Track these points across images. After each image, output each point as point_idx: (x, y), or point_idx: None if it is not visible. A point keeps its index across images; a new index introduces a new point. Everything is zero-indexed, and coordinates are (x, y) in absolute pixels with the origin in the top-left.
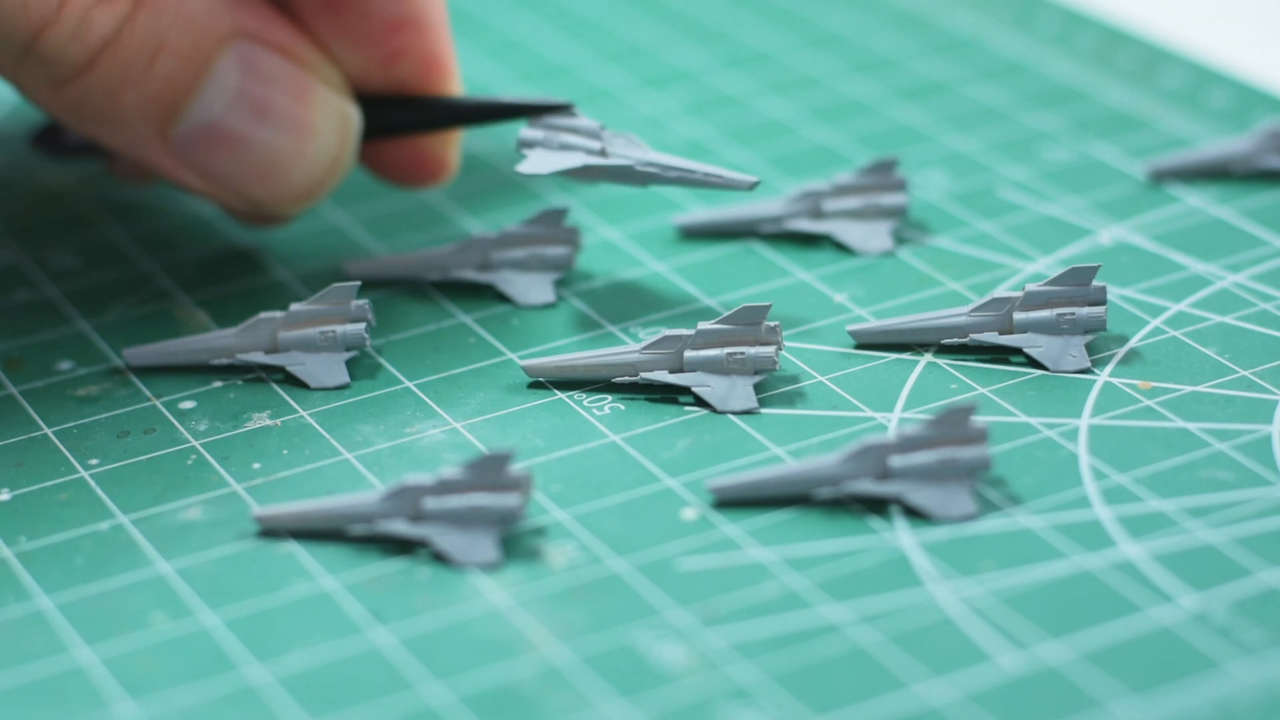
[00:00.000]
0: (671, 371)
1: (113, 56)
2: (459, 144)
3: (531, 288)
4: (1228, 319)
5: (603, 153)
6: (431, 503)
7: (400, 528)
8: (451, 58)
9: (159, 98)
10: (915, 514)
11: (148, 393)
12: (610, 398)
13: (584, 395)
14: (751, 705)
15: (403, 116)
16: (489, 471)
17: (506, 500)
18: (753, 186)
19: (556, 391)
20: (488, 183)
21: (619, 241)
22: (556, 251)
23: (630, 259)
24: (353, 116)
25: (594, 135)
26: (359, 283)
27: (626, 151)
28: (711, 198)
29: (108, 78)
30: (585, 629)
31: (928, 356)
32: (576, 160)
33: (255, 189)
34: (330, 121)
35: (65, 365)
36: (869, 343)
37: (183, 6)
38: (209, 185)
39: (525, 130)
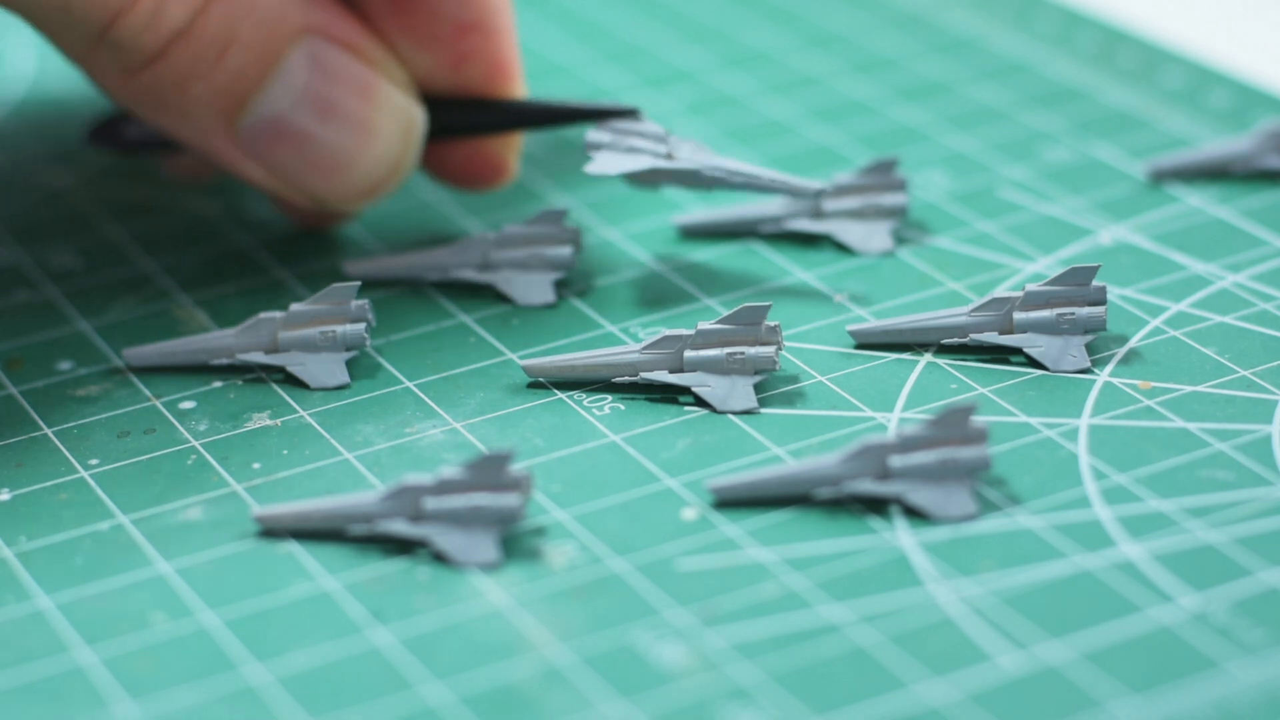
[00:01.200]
0: (671, 371)
1: (184, 47)
2: (519, 147)
3: (531, 288)
4: (1228, 319)
5: (669, 156)
6: (431, 503)
7: (400, 528)
8: (517, 61)
9: (228, 90)
10: (915, 514)
11: (148, 393)
12: (610, 398)
13: (584, 395)
14: (751, 705)
15: (468, 118)
16: (489, 471)
17: (506, 500)
18: (819, 194)
19: (556, 391)
20: None
21: (619, 241)
22: (557, 251)
23: (630, 259)
24: (417, 118)
25: (660, 139)
26: (359, 283)
27: (694, 155)
28: (711, 198)
29: (178, 68)
30: (585, 629)
31: (928, 356)
32: (644, 163)
33: (317, 185)
34: (394, 121)
35: (65, 365)
36: (869, 343)
37: (256, 1)
38: (272, 179)
39: (591, 133)
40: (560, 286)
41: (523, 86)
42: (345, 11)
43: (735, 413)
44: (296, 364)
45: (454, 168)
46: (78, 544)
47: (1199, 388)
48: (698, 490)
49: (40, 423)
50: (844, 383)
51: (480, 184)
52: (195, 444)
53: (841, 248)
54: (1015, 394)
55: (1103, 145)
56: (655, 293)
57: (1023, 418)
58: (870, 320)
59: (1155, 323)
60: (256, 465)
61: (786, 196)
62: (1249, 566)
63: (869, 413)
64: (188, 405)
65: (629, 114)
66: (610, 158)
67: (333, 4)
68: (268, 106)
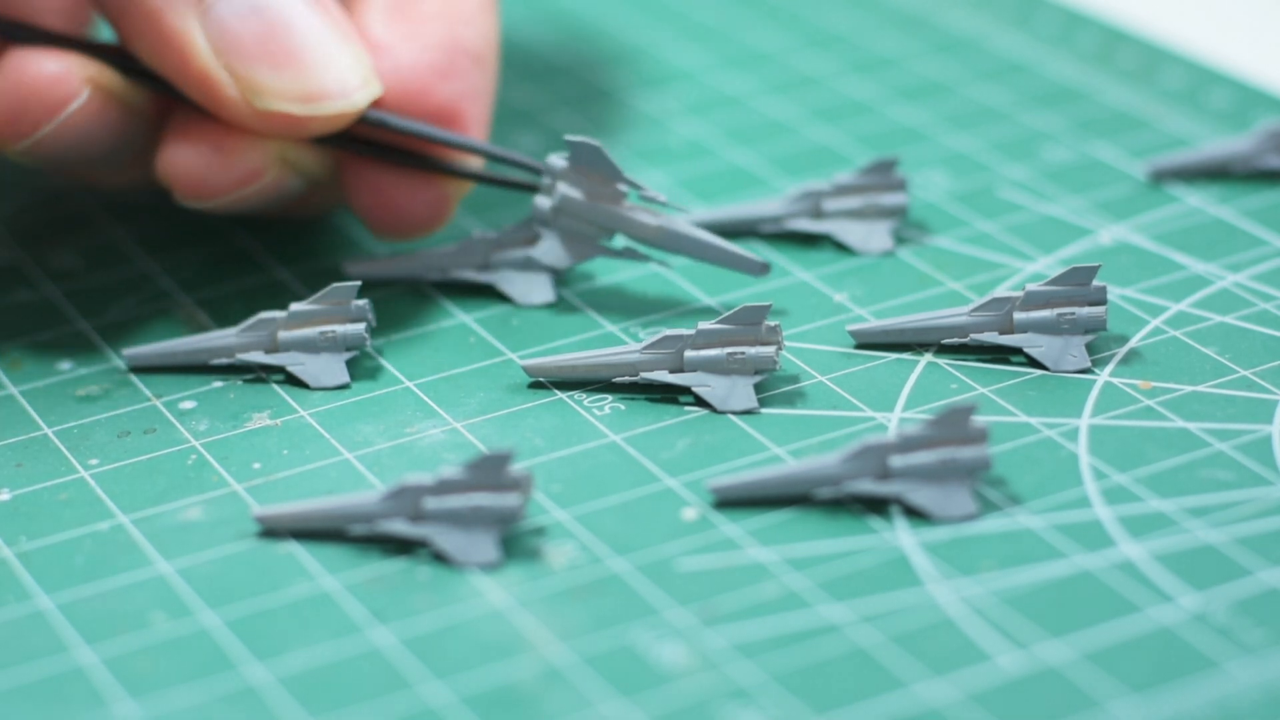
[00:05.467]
0: (671, 371)
1: None
2: (460, 194)
3: (531, 287)
4: (1228, 319)
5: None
6: (431, 503)
7: (400, 528)
8: (467, 117)
9: None
10: (915, 514)
11: (148, 393)
12: (610, 398)
13: (584, 395)
14: (751, 705)
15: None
16: (489, 471)
17: (506, 500)
18: (765, 269)
19: (556, 391)
20: None
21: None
22: None
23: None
24: (375, 84)
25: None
26: (359, 283)
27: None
28: (713, 197)
29: None
30: (585, 629)
31: (928, 356)
32: (590, 253)
33: (264, 74)
34: (362, 57)
35: (65, 365)
36: (869, 343)
37: None
38: (213, 63)
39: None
40: (560, 286)
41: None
42: None
43: (735, 413)
44: (296, 364)
45: (386, 208)
46: (78, 544)
47: (1199, 388)
48: (698, 490)
49: (40, 423)
50: (844, 383)
51: (411, 229)
52: (195, 444)
53: (841, 248)
54: (1015, 394)
55: (1103, 145)
56: (655, 293)
57: (1023, 418)
58: (870, 320)
59: (1155, 323)
60: (256, 465)
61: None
62: (1249, 566)
63: (869, 413)
64: (188, 405)
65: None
66: (555, 248)
67: None
68: None
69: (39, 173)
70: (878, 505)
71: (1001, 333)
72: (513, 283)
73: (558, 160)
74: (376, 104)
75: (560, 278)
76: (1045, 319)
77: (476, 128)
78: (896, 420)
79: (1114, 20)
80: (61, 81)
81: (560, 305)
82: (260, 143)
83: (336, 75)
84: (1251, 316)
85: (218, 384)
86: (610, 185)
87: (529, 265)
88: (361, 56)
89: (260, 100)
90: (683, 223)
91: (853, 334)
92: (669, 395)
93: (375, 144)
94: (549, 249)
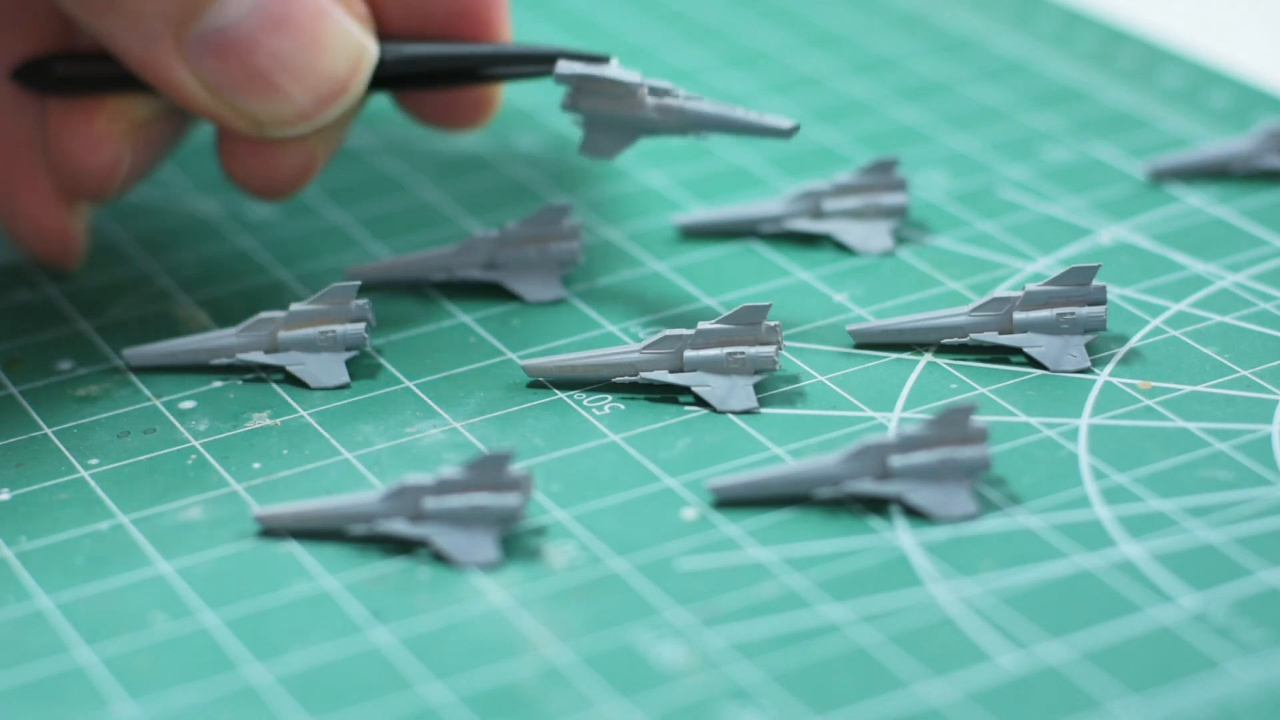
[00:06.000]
0: (671, 371)
1: None
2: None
3: (540, 284)
4: (1228, 319)
5: (646, 109)
6: (431, 502)
7: (400, 528)
8: (490, 8)
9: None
10: (915, 514)
11: (148, 393)
12: (610, 398)
13: (584, 395)
14: (751, 705)
15: (430, 63)
16: (489, 471)
17: (506, 500)
18: (792, 131)
19: (556, 391)
20: (487, 182)
21: (619, 241)
22: (561, 247)
23: (630, 259)
24: (369, 50)
25: (632, 92)
26: (359, 282)
27: (665, 103)
28: (712, 197)
29: None
30: (585, 629)
31: (928, 356)
32: (630, 137)
33: (257, 104)
34: (343, 44)
35: (65, 365)
36: (869, 343)
37: None
38: (211, 98)
39: (562, 64)
40: (563, 284)
41: (500, 36)
42: None
43: (735, 412)
44: (296, 364)
45: (434, 105)
46: (78, 544)
47: (1199, 388)
48: (698, 490)
49: (40, 423)
50: (844, 383)
51: (463, 121)
52: (195, 444)
53: (841, 248)
54: (1015, 394)
55: (1103, 145)
56: (655, 293)
57: (1023, 418)
58: (870, 320)
59: (1155, 323)
60: (256, 465)
61: (759, 136)
62: (1249, 566)
63: (869, 413)
64: (188, 405)
65: (602, 60)
66: (601, 138)
67: None
68: (220, 16)
69: None
70: (878, 505)
71: (1001, 333)
72: (521, 280)
73: (568, 66)
74: (393, 35)
75: (567, 273)
76: (1045, 319)
77: (503, 17)
78: (896, 420)
79: (1114, 20)
80: (103, 145)
81: (560, 305)
82: (299, 141)
83: (325, 79)
84: (1251, 316)
85: (218, 384)
86: (621, 89)
87: (536, 262)
88: (341, 35)
89: (263, 130)
90: (701, 103)
91: (853, 334)
92: (669, 395)
93: (415, 76)
94: (592, 141)
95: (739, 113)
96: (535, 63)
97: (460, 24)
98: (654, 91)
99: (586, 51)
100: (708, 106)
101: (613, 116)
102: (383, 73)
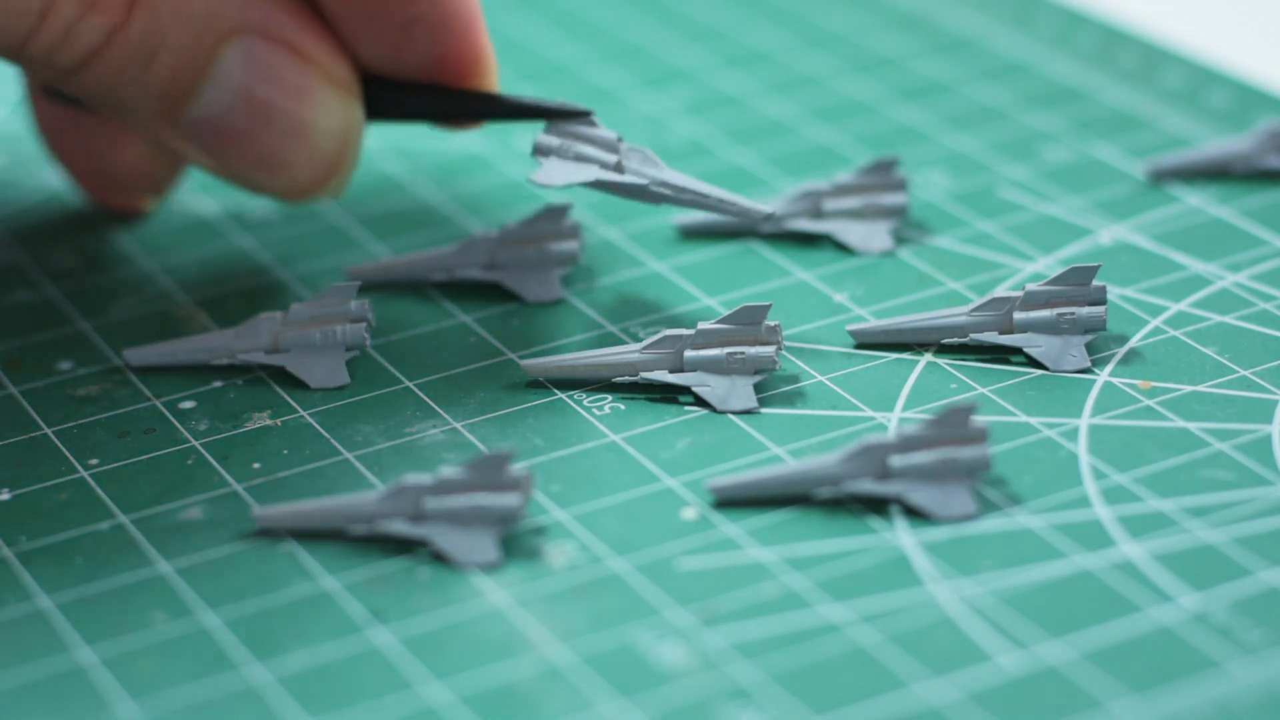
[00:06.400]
0: (671, 371)
1: (105, 61)
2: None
3: (540, 284)
4: (1228, 319)
5: (618, 167)
6: (431, 503)
7: (400, 528)
8: (471, 56)
9: (162, 93)
10: (915, 514)
11: (148, 393)
12: (610, 398)
13: (584, 395)
14: (751, 705)
15: (414, 103)
16: (489, 471)
17: (506, 500)
18: (767, 218)
19: (556, 391)
20: (487, 182)
21: (619, 241)
22: (561, 247)
23: (630, 259)
24: (356, 119)
25: (611, 148)
26: (359, 282)
27: (642, 168)
28: None
29: (104, 76)
30: (585, 629)
31: (928, 356)
32: (590, 174)
33: (261, 181)
34: (331, 121)
35: (65, 365)
36: (869, 343)
37: (183, 5)
38: (218, 166)
39: (542, 136)
40: (563, 284)
41: (486, 80)
42: (283, 2)
43: (735, 412)
44: (296, 364)
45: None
46: (78, 544)
47: (1199, 388)
48: (698, 490)
49: (40, 423)
50: (844, 383)
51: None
52: (195, 444)
53: (841, 248)
54: (1015, 394)
55: (1103, 145)
56: (655, 293)
57: (1023, 418)
58: (870, 320)
59: (1155, 323)
60: (256, 465)
61: (733, 218)
62: (1249, 566)
63: (869, 413)
64: (188, 405)
65: (582, 116)
66: (557, 167)
67: None
68: (204, 107)
69: (39, 173)
70: (878, 505)
71: (1001, 333)
72: (521, 280)
73: (550, 139)
74: (383, 88)
75: (567, 273)
76: (1045, 319)
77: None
78: (896, 420)
79: (1114, 20)
80: (129, 149)
81: (560, 305)
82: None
83: (317, 158)
84: (1251, 316)
85: (218, 384)
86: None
87: (536, 262)
88: (326, 112)
89: (280, 197)
90: (680, 176)
91: (853, 334)
92: (669, 395)
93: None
94: (550, 169)
95: (716, 191)
96: (520, 117)
97: (440, 74)
98: (633, 154)
99: (569, 106)
100: (685, 180)
101: (579, 154)
102: (375, 116)
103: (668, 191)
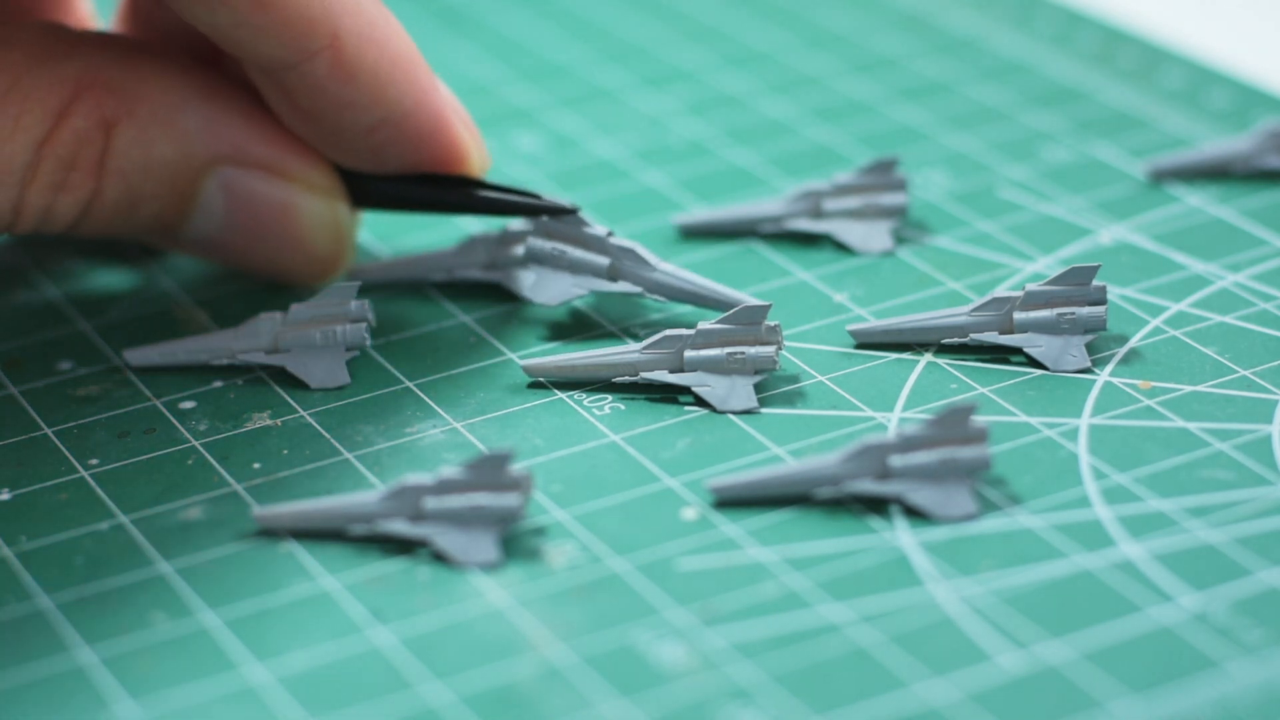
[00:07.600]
0: (671, 371)
1: (90, 222)
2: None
3: (542, 284)
4: (1228, 319)
5: (611, 270)
6: (431, 503)
7: (400, 528)
8: (451, 155)
9: (153, 228)
10: (915, 514)
11: (148, 393)
12: (610, 398)
13: (584, 395)
14: (751, 705)
15: (399, 193)
16: (489, 471)
17: (506, 500)
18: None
19: (556, 391)
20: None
21: None
22: None
23: None
24: (344, 215)
25: (602, 248)
26: (359, 282)
27: (635, 270)
28: (712, 197)
29: (94, 230)
30: (585, 629)
31: (928, 356)
32: (583, 289)
33: (271, 274)
34: (321, 228)
35: (65, 365)
36: (869, 343)
37: (152, 158)
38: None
39: (532, 240)
40: None
41: (466, 168)
42: (255, 126)
43: (735, 412)
44: (296, 364)
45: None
46: (78, 544)
47: (1199, 388)
48: (698, 490)
49: (40, 423)
50: (844, 383)
51: None
52: (195, 444)
53: (841, 248)
54: (1015, 394)
55: (1103, 145)
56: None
57: (1023, 417)
58: (870, 320)
59: (1155, 323)
60: (256, 465)
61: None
62: (1249, 566)
63: (869, 413)
64: (188, 405)
65: (569, 213)
66: (551, 281)
67: (241, 121)
68: (197, 231)
69: None
70: (878, 505)
71: (1001, 332)
72: (523, 280)
73: (540, 242)
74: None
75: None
76: (1045, 319)
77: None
78: (896, 420)
79: (1114, 20)
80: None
81: (561, 305)
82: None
83: (314, 259)
84: (1251, 316)
85: (218, 384)
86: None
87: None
88: (313, 220)
89: (304, 283)
90: (677, 271)
91: (853, 334)
92: (669, 395)
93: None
94: (540, 285)
95: (708, 285)
96: (508, 213)
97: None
98: (624, 253)
99: (557, 204)
100: (675, 277)
101: (572, 262)
102: (363, 206)
103: (661, 296)
